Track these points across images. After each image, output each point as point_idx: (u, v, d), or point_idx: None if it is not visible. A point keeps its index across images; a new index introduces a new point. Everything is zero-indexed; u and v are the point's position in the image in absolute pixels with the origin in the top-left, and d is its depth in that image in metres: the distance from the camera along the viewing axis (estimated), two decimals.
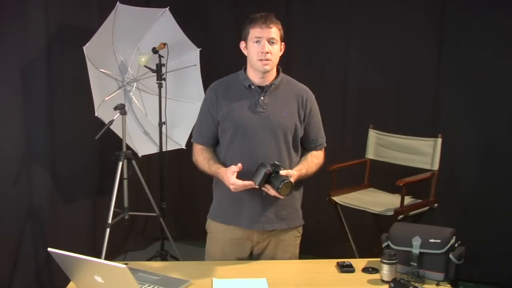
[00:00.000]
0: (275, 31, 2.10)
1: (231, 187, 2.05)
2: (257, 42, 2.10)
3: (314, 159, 2.25)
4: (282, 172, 2.03)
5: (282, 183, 1.98)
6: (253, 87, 2.17)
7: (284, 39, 2.18)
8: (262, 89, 2.17)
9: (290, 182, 2.01)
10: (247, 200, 2.15)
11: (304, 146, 2.28)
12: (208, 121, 2.23)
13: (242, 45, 2.18)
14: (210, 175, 2.21)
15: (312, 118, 2.24)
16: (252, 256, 2.26)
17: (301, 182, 2.25)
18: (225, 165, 2.15)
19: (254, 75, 2.18)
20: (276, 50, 2.12)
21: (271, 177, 2.02)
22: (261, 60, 2.10)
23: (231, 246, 2.23)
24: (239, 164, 2.05)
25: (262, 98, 2.15)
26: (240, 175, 2.05)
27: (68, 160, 3.50)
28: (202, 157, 2.22)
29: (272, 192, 2.03)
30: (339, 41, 3.97)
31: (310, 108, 2.23)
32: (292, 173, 2.07)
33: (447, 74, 3.65)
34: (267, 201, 2.15)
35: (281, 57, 2.19)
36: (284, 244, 2.25)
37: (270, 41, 2.10)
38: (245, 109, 2.15)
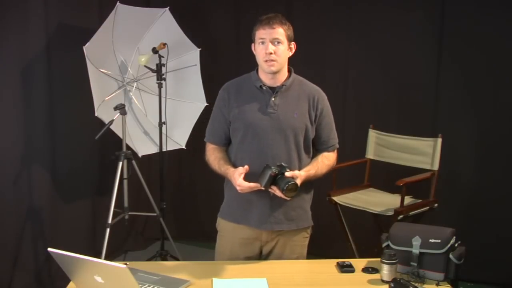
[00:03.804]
0: (279, 31, 2.10)
1: (238, 188, 2.07)
2: (261, 43, 2.12)
3: (325, 160, 2.25)
4: (288, 173, 2.03)
5: (287, 185, 1.99)
6: (264, 88, 2.17)
7: (294, 39, 2.18)
8: (273, 90, 2.18)
9: (295, 183, 2.01)
10: (256, 200, 2.16)
11: (316, 147, 2.28)
12: (220, 121, 2.24)
13: (252, 47, 2.19)
14: (220, 174, 2.22)
15: (323, 119, 2.24)
16: (261, 256, 2.27)
17: (311, 183, 2.24)
18: (236, 165, 2.17)
19: (264, 76, 2.19)
20: (282, 50, 2.12)
21: (277, 178, 2.02)
22: (266, 61, 2.11)
23: (240, 246, 2.24)
24: (246, 166, 2.06)
25: (273, 99, 2.16)
26: (250, 176, 2.06)
27: (68, 160, 3.50)
28: (213, 157, 2.24)
29: (278, 193, 2.04)
30: (339, 41, 3.97)
31: (322, 109, 2.22)
32: (299, 174, 2.07)
33: (447, 74, 3.65)
34: (275, 202, 2.15)
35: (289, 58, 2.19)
36: (292, 244, 2.26)
37: (275, 42, 2.10)
38: (256, 110, 2.16)
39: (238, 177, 2.05)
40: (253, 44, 2.19)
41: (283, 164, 2.06)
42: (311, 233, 2.34)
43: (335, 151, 2.32)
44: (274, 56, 2.10)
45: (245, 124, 2.16)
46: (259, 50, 2.13)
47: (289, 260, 2.25)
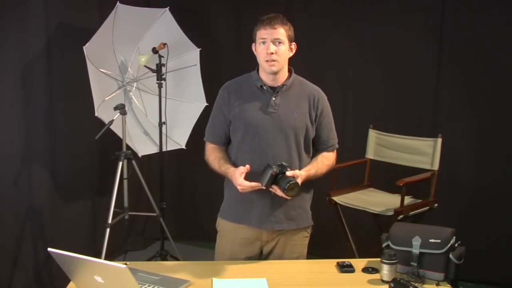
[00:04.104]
0: (280, 31, 2.11)
1: (238, 187, 2.07)
2: (263, 43, 2.12)
3: (325, 160, 2.25)
4: (289, 173, 2.03)
5: (288, 184, 1.99)
6: (265, 87, 2.18)
7: (294, 39, 2.19)
8: (274, 89, 2.18)
9: (296, 183, 2.02)
10: (256, 200, 2.16)
11: (316, 147, 2.29)
12: (220, 120, 2.25)
13: (253, 47, 2.20)
14: (220, 174, 2.22)
15: (323, 119, 2.24)
16: (261, 255, 2.27)
17: (311, 183, 2.25)
18: (236, 164, 2.17)
19: (265, 76, 2.19)
20: (283, 51, 2.12)
21: (278, 178, 2.03)
22: (267, 61, 2.11)
23: (241, 246, 2.24)
24: (247, 165, 2.07)
25: (273, 98, 2.16)
26: (250, 175, 2.06)
27: (68, 160, 3.50)
28: (213, 156, 2.24)
29: (279, 192, 2.04)
30: (339, 41, 3.97)
31: (322, 109, 2.23)
32: (300, 174, 2.07)
33: (447, 74, 3.65)
34: (276, 201, 2.15)
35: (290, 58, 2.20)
36: (292, 244, 2.26)
37: (276, 42, 2.10)
38: (256, 109, 2.16)
39: (239, 177, 2.05)
40: (253, 44, 2.19)
41: (284, 163, 2.06)
42: (311, 232, 2.34)
43: (335, 151, 2.33)
44: (275, 56, 2.10)
45: (245, 123, 2.17)
46: (260, 50, 2.14)
47: (289, 260, 2.25)
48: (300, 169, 2.14)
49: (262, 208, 2.17)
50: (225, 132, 2.25)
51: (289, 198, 2.06)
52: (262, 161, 2.08)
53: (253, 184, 2.05)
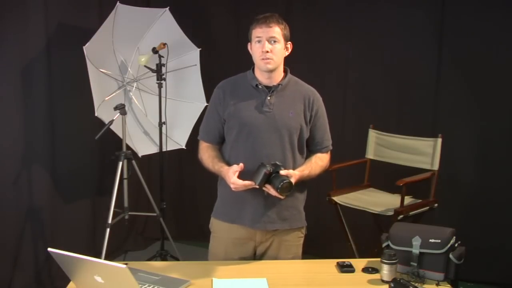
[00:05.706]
0: (276, 30, 2.11)
1: (232, 186, 2.07)
2: (258, 41, 2.12)
3: (318, 161, 2.25)
4: (283, 172, 2.03)
5: (282, 183, 1.99)
6: (260, 87, 2.18)
7: (290, 39, 2.19)
8: (269, 89, 2.18)
9: (290, 182, 2.02)
10: (249, 199, 2.16)
11: (310, 148, 2.28)
12: (214, 119, 2.24)
13: (249, 46, 2.20)
14: (214, 173, 2.22)
15: (318, 119, 2.24)
16: (255, 256, 2.27)
17: (305, 184, 2.25)
18: (230, 163, 2.16)
19: (261, 75, 2.19)
20: (278, 49, 2.12)
21: (272, 177, 2.02)
22: (262, 59, 2.11)
23: (234, 246, 2.23)
24: (241, 164, 2.07)
25: (268, 98, 2.16)
26: (244, 174, 2.06)
27: (68, 160, 3.50)
28: (207, 155, 2.24)
29: (272, 192, 2.04)
30: (339, 41, 3.97)
31: (317, 110, 2.23)
32: (293, 173, 2.07)
33: (447, 74, 3.65)
34: (269, 201, 2.15)
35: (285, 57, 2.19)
36: (287, 244, 2.26)
37: (271, 40, 2.10)
38: (251, 109, 2.16)
39: (232, 175, 2.05)
40: (249, 43, 2.19)
41: (277, 163, 2.07)
42: (305, 233, 2.33)
43: (328, 152, 2.32)
44: (271, 54, 2.10)
45: (240, 122, 2.16)
46: (255, 49, 2.14)
47: (289, 260, 2.25)
48: (294, 169, 2.13)
49: (255, 208, 2.17)
50: (219, 131, 2.25)
51: (282, 197, 2.06)
52: (256, 160, 2.08)
53: (247, 182, 2.04)
